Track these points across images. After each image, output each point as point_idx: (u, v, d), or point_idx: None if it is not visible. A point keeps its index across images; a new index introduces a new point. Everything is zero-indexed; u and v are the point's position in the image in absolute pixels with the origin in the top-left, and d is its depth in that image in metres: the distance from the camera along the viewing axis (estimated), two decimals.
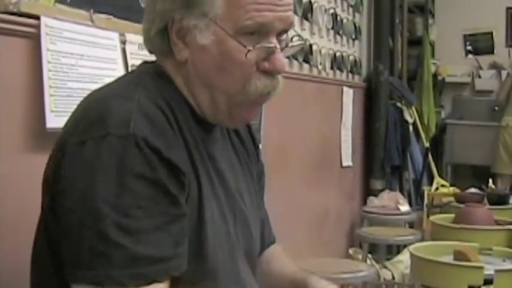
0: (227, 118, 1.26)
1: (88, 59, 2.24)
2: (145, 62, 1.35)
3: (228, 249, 1.26)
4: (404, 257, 4.62)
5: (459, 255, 2.86)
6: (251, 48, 1.16)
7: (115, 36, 2.42)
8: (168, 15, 1.21)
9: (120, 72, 2.39)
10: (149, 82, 1.21)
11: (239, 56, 1.17)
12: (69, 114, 1.26)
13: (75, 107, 1.26)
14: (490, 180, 4.47)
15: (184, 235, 1.14)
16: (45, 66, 2.04)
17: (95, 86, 1.32)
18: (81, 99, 1.29)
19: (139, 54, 2.48)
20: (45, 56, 2.04)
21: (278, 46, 1.19)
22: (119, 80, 1.31)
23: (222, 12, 1.16)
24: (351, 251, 5.08)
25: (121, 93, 1.17)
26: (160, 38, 1.24)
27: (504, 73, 8.19)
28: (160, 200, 1.10)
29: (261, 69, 1.19)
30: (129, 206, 1.06)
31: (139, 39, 1.42)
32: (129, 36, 2.50)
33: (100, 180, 1.07)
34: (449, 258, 2.89)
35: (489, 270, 2.69)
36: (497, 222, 3.62)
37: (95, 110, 1.16)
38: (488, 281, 2.66)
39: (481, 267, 2.68)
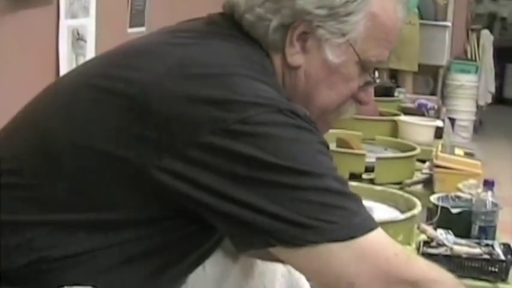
0: None
1: None
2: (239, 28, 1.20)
3: None
4: None
5: (342, 143, 2.89)
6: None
7: None
8: (304, 16, 1.16)
9: None
10: (260, 69, 1.13)
11: (351, 82, 1.20)
12: None
13: None
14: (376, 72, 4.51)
15: None
16: None
17: None
18: None
19: None
20: None
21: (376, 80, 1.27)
22: (226, 50, 1.16)
23: (359, 38, 1.17)
24: None
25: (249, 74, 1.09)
26: (280, 33, 1.17)
27: None
28: None
29: (356, 96, 1.23)
30: (329, 167, 1.04)
31: None
32: None
33: (301, 149, 1.03)
34: (332, 146, 2.92)
35: (371, 158, 2.74)
36: (382, 114, 3.69)
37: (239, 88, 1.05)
38: (369, 169, 2.72)
39: (363, 155, 2.72)
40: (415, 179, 2.82)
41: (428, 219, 2.17)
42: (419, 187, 2.77)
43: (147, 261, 1.09)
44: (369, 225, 1.01)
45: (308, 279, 1.46)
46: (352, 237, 0.99)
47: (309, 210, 0.99)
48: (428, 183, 2.76)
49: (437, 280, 1.01)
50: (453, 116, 6.47)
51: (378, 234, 1.02)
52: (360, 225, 1.00)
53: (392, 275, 0.99)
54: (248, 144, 1.00)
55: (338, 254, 0.99)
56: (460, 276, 1.86)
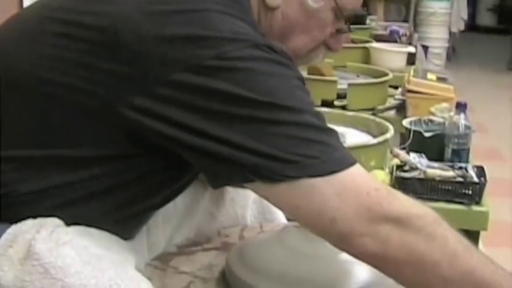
0: None
1: None
2: None
3: None
4: None
5: (313, 70, 2.83)
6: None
7: None
8: None
9: None
10: (237, 6, 1.07)
11: (326, 27, 1.19)
12: None
13: None
14: None
15: None
16: None
17: None
18: None
19: None
20: None
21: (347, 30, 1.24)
22: None
23: None
24: None
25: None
26: None
27: None
28: None
29: (327, 43, 1.22)
30: (307, 102, 1.00)
31: None
32: None
33: (279, 84, 0.98)
34: (303, 74, 2.87)
35: (343, 85, 2.69)
36: (353, 41, 3.64)
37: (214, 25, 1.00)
38: (341, 96, 2.67)
39: (335, 81, 2.67)
40: (387, 105, 2.79)
41: (401, 144, 2.14)
42: (392, 113, 2.74)
43: (115, 196, 1.06)
44: (348, 160, 0.98)
45: (287, 216, 1.43)
46: (334, 172, 0.95)
47: (288, 145, 0.96)
48: (401, 109, 2.73)
49: (419, 215, 0.98)
50: (426, 43, 6.43)
51: (358, 169, 0.99)
52: (340, 160, 0.97)
53: (373, 209, 0.96)
54: (225, 79, 0.96)
55: (319, 189, 0.96)
56: (434, 200, 1.86)
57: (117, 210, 1.07)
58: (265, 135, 0.96)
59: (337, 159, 0.97)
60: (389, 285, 1.09)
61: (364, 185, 0.98)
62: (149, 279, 1.05)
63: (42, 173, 1.02)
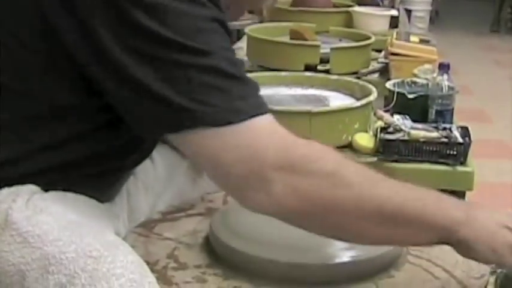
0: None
1: None
2: None
3: None
4: (244, 44, 4.55)
5: (295, 34, 2.81)
6: None
7: None
8: None
9: None
10: None
11: None
12: None
13: None
14: None
15: None
16: None
17: None
18: None
19: None
20: None
21: None
22: None
23: None
24: None
25: None
26: None
27: None
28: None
29: None
30: (220, 46, 0.94)
31: None
32: None
33: (188, 23, 0.92)
34: (285, 39, 2.84)
35: (325, 49, 2.67)
36: (335, 5, 3.61)
37: None
38: (324, 60, 2.65)
39: (317, 46, 2.65)
40: (370, 68, 2.77)
41: (385, 106, 2.13)
42: (375, 76, 2.72)
43: (78, 151, 1.03)
44: (252, 111, 0.92)
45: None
46: (229, 123, 0.91)
47: (187, 90, 0.91)
48: (384, 71, 2.71)
49: (317, 159, 0.93)
50: (409, 7, 6.36)
51: (264, 121, 0.93)
52: (241, 110, 0.91)
53: (267, 165, 0.91)
54: (135, 11, 0.91)
55: (212, 140, 0.92)
56: (418, 161, 1.86)
57: (86, 166, 1.05)
58: (165, 77, 0.91)
59: (237, 109, 0.91)
60: (367, 250, 1.09)
61: (266, 138, 0.93)
62: (132, 246, 1.03)
63: (8, 138, 1.00)
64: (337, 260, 1.08)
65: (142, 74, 0.91)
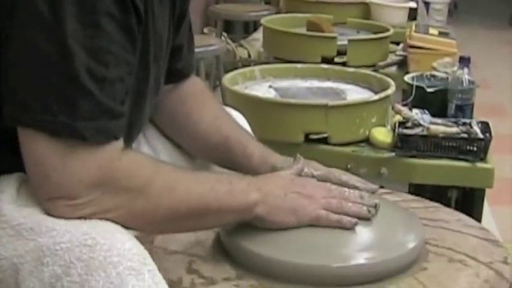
0: None
1: None
2: None
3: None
4: (260, 35, 4.51)
5: (312, 26, 2.76)
6: None
7: None
8: None
9: None
10: None
11: None
12: None
13: None
14: None
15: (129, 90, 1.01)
16: None
17: None
18: None
19: None
20: None
21: None
22: None
23: None
24: (205, 30, 4.92)
25: None
26: None
27: None
28: (127, 48, 0.96)
29: None
30: (100, 49, 0.91)
31: None
32: None
33: (71, 14, 0.89)
34: (302, 30, 2.80)
35: (343, 41, 2.62)
36: None
37: None
38: (341, 52, 2.60)
39: (334, 38, 2.60)
40: (388, 61, 2.73)
41: (403, 100, 2.08)
42: (393, 69, 2.68)
43: None
44: (86, 132, 0.90)
45: None
46: (62, 135, 0.90)
47: (30, 85, 0.89)
48: (402, 64, 2.68)
49: (123, 177, 0.95)
50: None
51: (86, 145, 0.91)
52: (75, 128, 0.90)
53: (82, 184, 0.91)
54: None
55: (42, 145, 0.90)
56: (438, 157, 1.81)
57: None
58: (18, 66, 0.90)
59: (73, 126, 0.89)
60: (395, 246, 1.05)
61: (83, 158, 0.91)
62: None
63: None
64: (353, 262, 1.04)
65: (9, 57, 0.91)
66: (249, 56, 4.52)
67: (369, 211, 1.07)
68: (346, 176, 1.19)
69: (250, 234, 1.08)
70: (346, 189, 1.11)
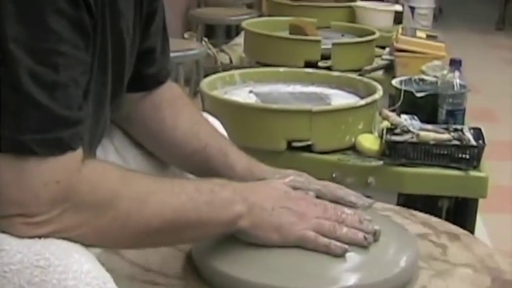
0: None
1: None
2: None
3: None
4: (242, 40, 4.43)
5: (296, 29, 2.67)
6: None
7: None
8: None
9: None
10: None
11: None
12: None
13: None
14: None
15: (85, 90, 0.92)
16: None
17: None
18: None
19: None
20: None
21: None
22: None
23: None
24: (186, 35, 4.82)
25: None
26: None
27: None
28: (80, 46, 0.87)
29: None
30: (47, 51, 0.83)
31: None
32: None
33: (11, 14, 0.81)
34: (285, 34, 2.71)
35: (327, 45, 2.53)
36: (337, 0, 3.47)
37: None
38: (326, 56, 2.51)
39: (318, 41, 2.51)
40: (374, 65, 2.63)
41: (391, 106, 1.98)
42: (379, 73, 2.58)
43: None
44: (38, 145, 0.82)
45: None
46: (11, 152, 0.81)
47: None
48: (389, 69, 2.58)
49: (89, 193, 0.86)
50: (412, 4, 6.25)
51: (49, 160, 0.83)
52: (24, 142, 0.81)
53: (39, 202, 0.83)
54: None
55: None
56: (428, 165, 1.71)
57: None
58: None
59: (21, 140, 0.81)
60: (387, 264, 0.95)
61: (41, 172, 0.82)
62: None
63: None
64: (342, 284, 0.93)
65: None
66: (231, 61, 4.44)
67: (365, 238, 0.95)
68: (341, 191, 1.08)
69: (226, 253, 0.97)
70: (346, 210, 0.99)
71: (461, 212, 1.75)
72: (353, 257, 0.94)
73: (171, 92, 1.24)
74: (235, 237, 0.97)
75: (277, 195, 1.00)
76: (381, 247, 0.97)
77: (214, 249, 0.99)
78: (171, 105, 1.22)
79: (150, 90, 1.21)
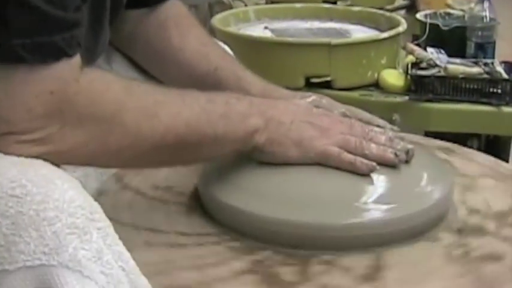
0: None
1: None
2: None
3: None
4: None
5: None
6: None
7: None
8: None
9: None
10: None
11: None
12: None
13: None
14: None
15: None
16: None
17: None
18: None
19: None
20: None
21: None
22: None
23: None
24: None
25: None
26: None
27: None
28: None
29: None
30: None
31: None
32: None
33: None
34: None
35: None
36: None
37: None
38: None
39: None
40: (396, 4, 2.53)
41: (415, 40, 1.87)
42: (402, 13, 2.47)
43: None
44: (30, 52, 0.73)
45: None
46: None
47: None
48: (411, 8, 2.47)
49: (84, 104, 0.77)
50: None
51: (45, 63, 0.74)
52: (8, 50, 0.72)
53: (35, 114, 0.73)
54: None
55: None
56: (457, 101, 1.61)
57: None
58: None
59: (11, 46, 0.72)
60: (420, 193, 0.84)
61: (35, 83, 0.73)
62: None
63: None
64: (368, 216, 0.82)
65: None
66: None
67: (396, 155, 0.85)
68: (368, 114, 0.97)
69: (233, 182, 0.87)
70: (374, 128, 0.90)
71: (492, 151, 1.64)
72: (381, 181, 0.83)
73: (177, 10, 1.13)
74: (245, 165, 0.88)
75: (298, 110, 0.91)
76: (414, 174, 0.86)
77: (219, 179, 0.89)
78: (177, 24, 1.12)
79: (153, 6, 1.10)
